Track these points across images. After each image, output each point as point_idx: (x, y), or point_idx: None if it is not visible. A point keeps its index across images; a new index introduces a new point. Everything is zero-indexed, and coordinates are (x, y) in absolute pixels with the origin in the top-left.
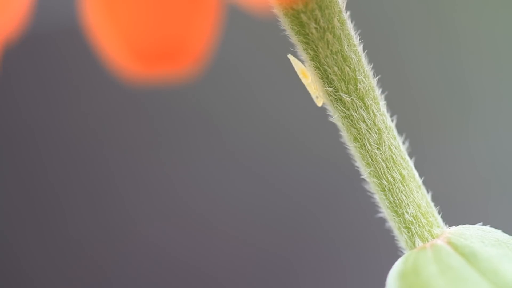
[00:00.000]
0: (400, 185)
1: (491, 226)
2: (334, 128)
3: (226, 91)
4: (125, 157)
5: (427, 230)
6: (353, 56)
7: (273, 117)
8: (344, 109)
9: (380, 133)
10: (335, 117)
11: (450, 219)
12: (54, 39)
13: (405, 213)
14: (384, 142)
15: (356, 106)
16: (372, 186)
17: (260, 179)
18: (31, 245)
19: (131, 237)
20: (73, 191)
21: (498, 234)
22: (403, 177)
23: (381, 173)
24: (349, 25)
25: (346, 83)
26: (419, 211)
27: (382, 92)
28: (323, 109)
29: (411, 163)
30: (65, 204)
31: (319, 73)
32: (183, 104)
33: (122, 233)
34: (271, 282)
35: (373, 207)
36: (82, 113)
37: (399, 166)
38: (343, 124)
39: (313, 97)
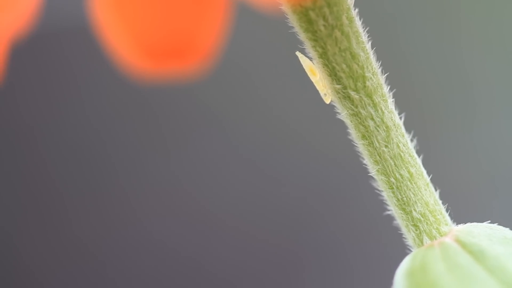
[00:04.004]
0: (408, 182)
1: (499, 224)
2: (342, 125)
3: (234, 88)
4: (132, 154)
5: (435, 228)
6: (362, 54)
7: (281, 114)
8: (352, 106)
9: (388, 131)
10: (343, 114)
11: (458, 217)
12: (62, 38)
13: (413, 211)
14: (392, 140)
15: (365, 103)
16: (380, 183)
17: (267, 176)
18: (34, 243)
19: (135, 233)
20: (79, 188)
21: (506, 232)
22: (411, 174)
23: (389, 171)
24: (358, 23)
25: (355, 80)
26: (427, 209)
27: (390, 89)
28: (331, 107)
29: (419, 160)
30: (69, 201)
31: (327, 71)
32: (191, 102)
33: (126, 229)
34: (277, 278)
35: (381, 205)
36: (90, 111)
37: (407, 164)
38: (351, 122)
39: (321, 94)
